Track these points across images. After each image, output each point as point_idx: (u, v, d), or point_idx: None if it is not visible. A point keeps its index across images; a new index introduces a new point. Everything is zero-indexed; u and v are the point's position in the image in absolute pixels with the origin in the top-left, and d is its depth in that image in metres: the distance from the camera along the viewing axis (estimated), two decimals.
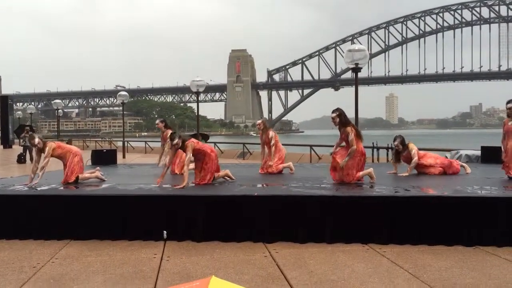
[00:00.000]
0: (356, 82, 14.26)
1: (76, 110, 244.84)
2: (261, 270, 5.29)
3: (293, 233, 6.43)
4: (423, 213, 6.34)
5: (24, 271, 5.36)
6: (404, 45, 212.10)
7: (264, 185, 8.02)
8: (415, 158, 9.22)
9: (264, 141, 9.86)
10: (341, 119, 7.66)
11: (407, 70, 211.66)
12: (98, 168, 9.63)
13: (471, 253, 5.82)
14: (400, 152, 9.48)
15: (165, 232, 6.57)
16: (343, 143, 8.05)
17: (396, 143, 9.58)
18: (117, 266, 5.51)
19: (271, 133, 9.72)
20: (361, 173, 8.05)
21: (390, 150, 16.37)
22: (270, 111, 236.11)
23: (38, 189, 7.68)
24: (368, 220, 6.41)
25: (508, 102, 8.17)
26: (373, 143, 17.27)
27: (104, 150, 15.23)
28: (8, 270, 5.39)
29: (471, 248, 6.02)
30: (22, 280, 5.02)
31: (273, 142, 9.55)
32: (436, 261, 5.51)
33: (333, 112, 7.88)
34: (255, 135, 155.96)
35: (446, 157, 14.06)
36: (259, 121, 9.81)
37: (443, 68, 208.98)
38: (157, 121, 10.79)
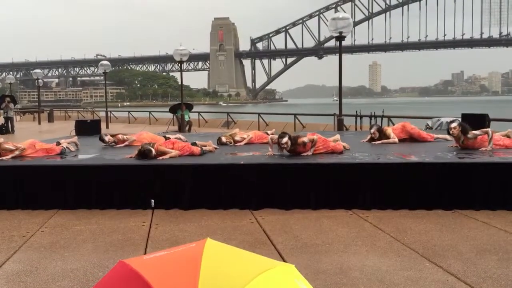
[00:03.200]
0: (340, 51, 14.29)
1: (56, 80, 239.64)
2: (248, 235, 5.44)
3: (279, 200, 6.58)
4: (405, 179, 6.53)
5: (14, 240, 5.44)
6: (388, 13, 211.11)
7: (250, 154, 8.11)
8: (395, 139, 9.24)
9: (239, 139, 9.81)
10: (291, 139, 7.46)
11: (390, 38, 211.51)
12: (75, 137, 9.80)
13: (450, 217, 6.05)
14: (376, 139, 9.37)
15: (152, 200, 6.67)
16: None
17: (372, 130, 9.55)
18: (106, 234, 5.61)
19: (239, 135, 9.76)
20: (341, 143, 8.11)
21: (373, 118, 16.56)
22: (253, 80, 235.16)
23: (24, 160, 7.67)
24: (351, 186, 6.58)
25: (452, 122, 8.02)
26: (356, 111, 17.43)
27: (88, 121, 15.13)
28: None
29: (450, 212, 6.25)
30: (13, 249, 5.10)
31: (246, 140, 9.60)
32: (417, 224, 5.73)
33: (282, 137, 7.34)
34: (225, 105, 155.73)
35: (427, 124, 14.32)
36: (224, 140, 9.59)
37: (426, 36, 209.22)
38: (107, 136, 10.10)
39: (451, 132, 7.88)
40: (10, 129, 23.44)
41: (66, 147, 8.77)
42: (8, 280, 4.23)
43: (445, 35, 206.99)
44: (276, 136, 7.63)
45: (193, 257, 1.66)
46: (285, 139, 7.26)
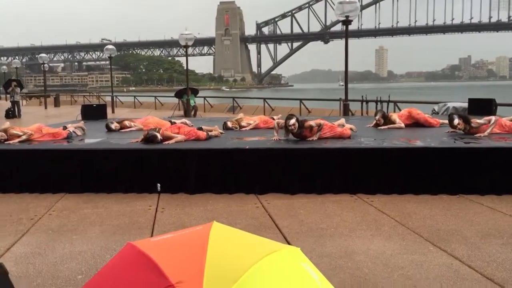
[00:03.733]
0: (347, 35, 14.18)
1: (62, 65, 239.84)
2: (254, 219, 5.48)
3: (284, 185, 6.61)
4: (410, 164, 6.53)
5: (23, 223, 5.51)
6: None
7: (256, 138, 8.12)
8: (401, 125, 9.19)
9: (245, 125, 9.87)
10: (299, 123, 7.40)
11: (397, 22, 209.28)
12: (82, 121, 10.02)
13: (455, 201, 6.06)
14: (381, 125, 9.34)
15: (159, 185, 6.71)
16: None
17: (377, 117, 9.50)
18: (113, 217, 5.67)
19: (245, 121, 9.82)
20: (347, 126, 8.18)
21: (379, 103, 16.50)
22: (259, 65, 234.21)
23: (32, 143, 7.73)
24: (356, 171, 6.59)
25: (452, 119, 8.01)
26: (362, 96, 17.36)
27: (94, 105, 15.17)
28: (7, 222, 5.53)
29: (455, 197, 6.26)
30: (21, 231, 5.17)
31: (252, 125, 9.64)
32: (421, 209, 5.74)
33: (290, 119, 7.28)
34: (227, 90, 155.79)
35: (434, 109, 14.29)
36: (230, 125, 9.61)
37: (434, 20, 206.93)
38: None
39: (457, 129, 7.88)
40: (16, 114, 23.56)
41: (73, 131, 8.83)
42: (17, 262, 4.29)
43: (453, 19, 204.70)
44: (282, 121, 7.63)
45: (200, 239, 1.68)
46: (293, 121, 7.26)
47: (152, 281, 1.53)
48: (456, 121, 7.85)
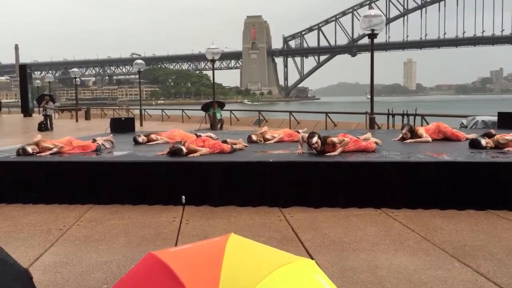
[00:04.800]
0: (372, 48, 14.15)
1: (93, 79, 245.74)
2: (276, 232, 5.50)
3: (307, 198, 6.61)
4: (436, 178, 6.45)
5: (52, 233, 5.66)
6: (424, 9, 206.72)
7: (280, 151, 8.16)
8: (428, 139, 9.10)
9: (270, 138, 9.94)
10: (321, 139, 7.42)
11: (426, 34, 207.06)
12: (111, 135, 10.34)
13: (483, 217, 5.95)
14: (407, 139, 9.25)
15: (183, 197, 6.80)
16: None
17: (404, 131, 9.41)
18: (139, 228, 5.77)
19: (269, 134, 9.88)
20: (373, 139, 8.14)
21: (405, 116, 16.34)
22: (286, 78, 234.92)
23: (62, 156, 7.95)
24: (381, 185, 6.55)
25: (480, 141, 7.86)
26: (388, 110, 17.22)
27: (123, 118, 15.50)
28: (37, 232, 5.70)
29: (482, 212, 6.14)
30: (50, 241, 5.32)
31: (276, 139, 9.69)
32: (447, 224, 5.66)
33: (312, 137, 7.27)
34: (249, 103, 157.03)
35: (462, 123, 14.07)
36: (255, 139, 9.66)
37: (464, 32, 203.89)
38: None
39: (487, 148, 7.68)
40: (49, 127, 24.23)
41: (102, 144, 9.04)
42: (45, 271, 4.42)
43: (483, 31, 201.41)
44: (306, 135, 7.65)
45: (217, 250, 1.74)
46: (315, 139, 7.26)
47: None
48: (484, 142, 7.71)
